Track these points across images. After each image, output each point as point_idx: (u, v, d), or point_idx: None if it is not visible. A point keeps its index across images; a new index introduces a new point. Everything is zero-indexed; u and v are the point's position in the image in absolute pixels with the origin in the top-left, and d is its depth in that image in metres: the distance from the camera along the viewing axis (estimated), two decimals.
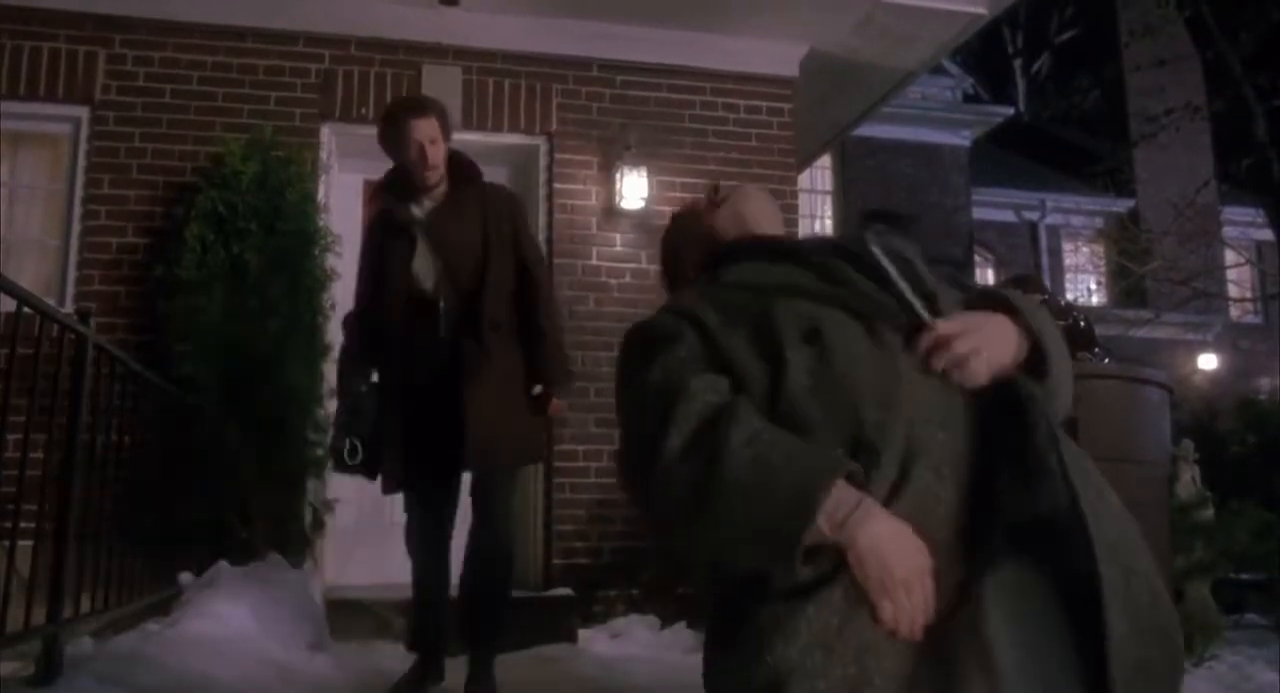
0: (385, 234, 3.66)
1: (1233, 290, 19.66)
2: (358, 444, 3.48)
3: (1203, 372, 17.86)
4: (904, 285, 1.59)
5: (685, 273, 2.02)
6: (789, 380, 1.50)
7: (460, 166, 3.70)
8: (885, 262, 1.63)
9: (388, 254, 3.62)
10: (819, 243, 1.82)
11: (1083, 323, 3.25)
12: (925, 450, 1.43)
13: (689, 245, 2.03)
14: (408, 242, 3.58)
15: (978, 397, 1.51)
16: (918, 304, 1.57)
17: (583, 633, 5.12)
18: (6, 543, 2.86)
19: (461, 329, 3.52)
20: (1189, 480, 11.07)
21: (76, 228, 5.55)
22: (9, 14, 5.51)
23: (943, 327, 1.52)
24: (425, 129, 3.53)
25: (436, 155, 3.54)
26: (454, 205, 3.63)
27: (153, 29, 5.71)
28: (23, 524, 3.00)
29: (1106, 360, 3.25)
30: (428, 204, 3.65)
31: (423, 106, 3.61)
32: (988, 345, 1.53)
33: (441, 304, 3.52)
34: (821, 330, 1.52)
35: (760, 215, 1.99)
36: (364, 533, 5.44)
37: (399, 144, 3.55)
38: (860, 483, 1.41)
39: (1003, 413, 1.50)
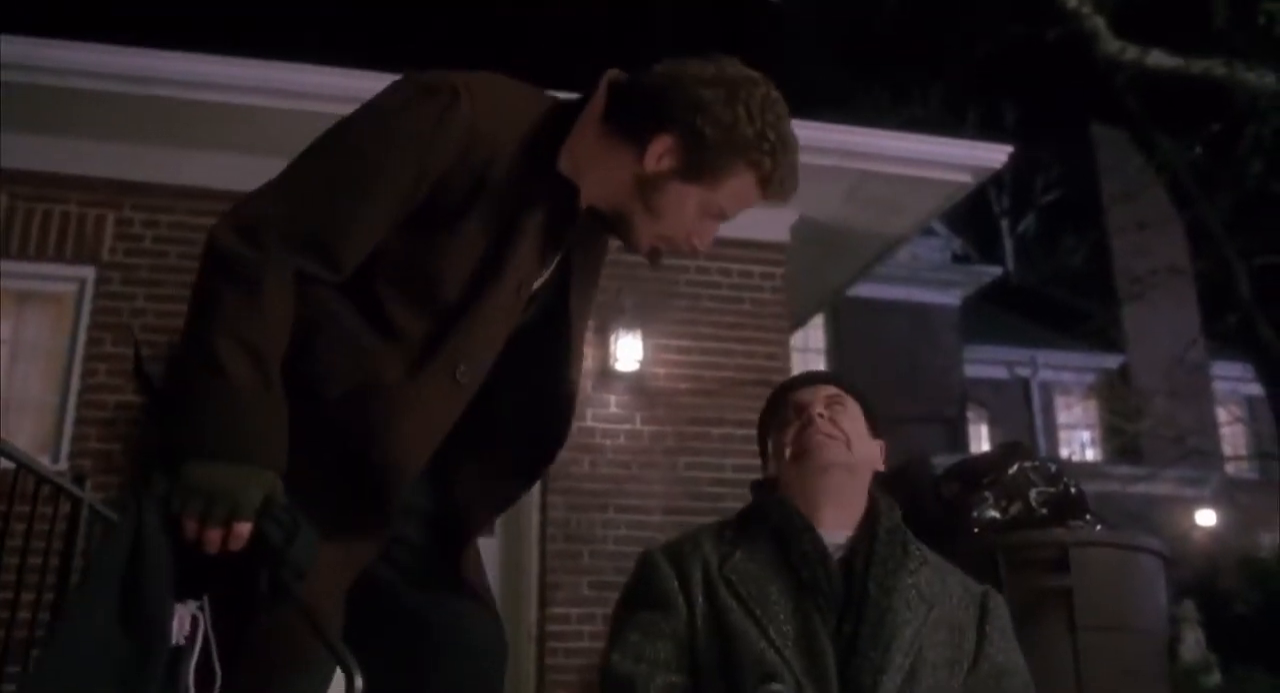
0: (503, 222, 1.57)
1: (1227, 446, 19.67)
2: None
3: (1201, 528, 17.71)
4: None
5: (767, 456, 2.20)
6: None
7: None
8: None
9: (496, 260, 1.57)
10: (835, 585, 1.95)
11: (1073, 490, 3.26)
12: None
13: (768, 443, 2.18)
14: (511, 283, 1.60)
15: None
16: None
17: None
18: None
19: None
20: (1193, 643, 10.90)
21: (76, 385, 5.60)
22: (24, 178, 5.68)
23: None
24: (746, 208, 1.72)
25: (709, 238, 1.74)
26: (587, 266, 1.79)
27: (161, 193, 5.88)
28: (5, 687, 2.96)
29: (1099, 527, 3.25)
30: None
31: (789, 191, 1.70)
32: None
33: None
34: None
35: (823, 505, 2.03)
36: None
37: (711, 186, 1.63)
38: None
39: None
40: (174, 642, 1.38)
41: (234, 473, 1.37)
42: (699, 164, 1.60)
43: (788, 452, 2.07)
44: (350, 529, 1.53)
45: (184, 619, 1.39)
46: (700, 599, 1.95)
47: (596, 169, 1.60)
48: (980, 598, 2.04)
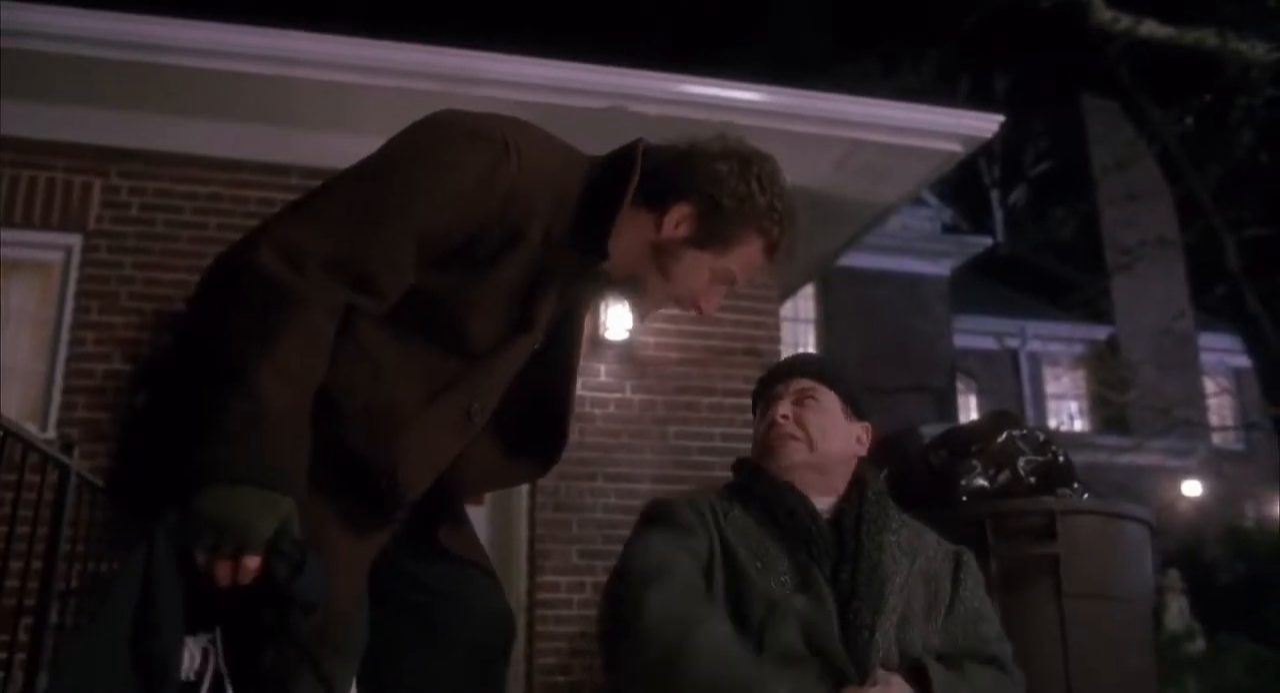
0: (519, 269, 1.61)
1: (1214, 417, 19.77)
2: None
3: (1187, 499, 17.84)
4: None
5: None
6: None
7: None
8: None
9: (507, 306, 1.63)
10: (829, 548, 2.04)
11: (1061, 458, 3.26)
12: None
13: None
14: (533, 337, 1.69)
15: None
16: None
17: None
18: None
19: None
20: (1178, 611, 11.00)
21: (63, 354, 5.58)
22: (7, 144, 5.62)
23: None
24: (748, 274, 1.81)
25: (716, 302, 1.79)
26: (588, 307, 1.90)
27: (148, 160, 5.84)
28: None
29: (1086, 496, 3.26)
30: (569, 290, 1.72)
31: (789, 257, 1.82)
32: None
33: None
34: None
35: (808, 478, 2.13)
36: None
37: (722, 253, 1.73)
38: None
39: None
40: (184, 677, 1.34)
41: (249, 501, 1.33)
42: (713, 232, 1.69)
43: (759, 446, 2.20)
44: (364, 526, 1.56)
45: (194, 654, 1.35)
46: (715, 534, 2.04)
47: (621, 237, 1.64)
48: (954, 554, 2.17)
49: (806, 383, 2.20)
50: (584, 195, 1.64)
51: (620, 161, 1.69)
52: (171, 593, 1.31)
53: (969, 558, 2.17)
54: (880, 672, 1.92)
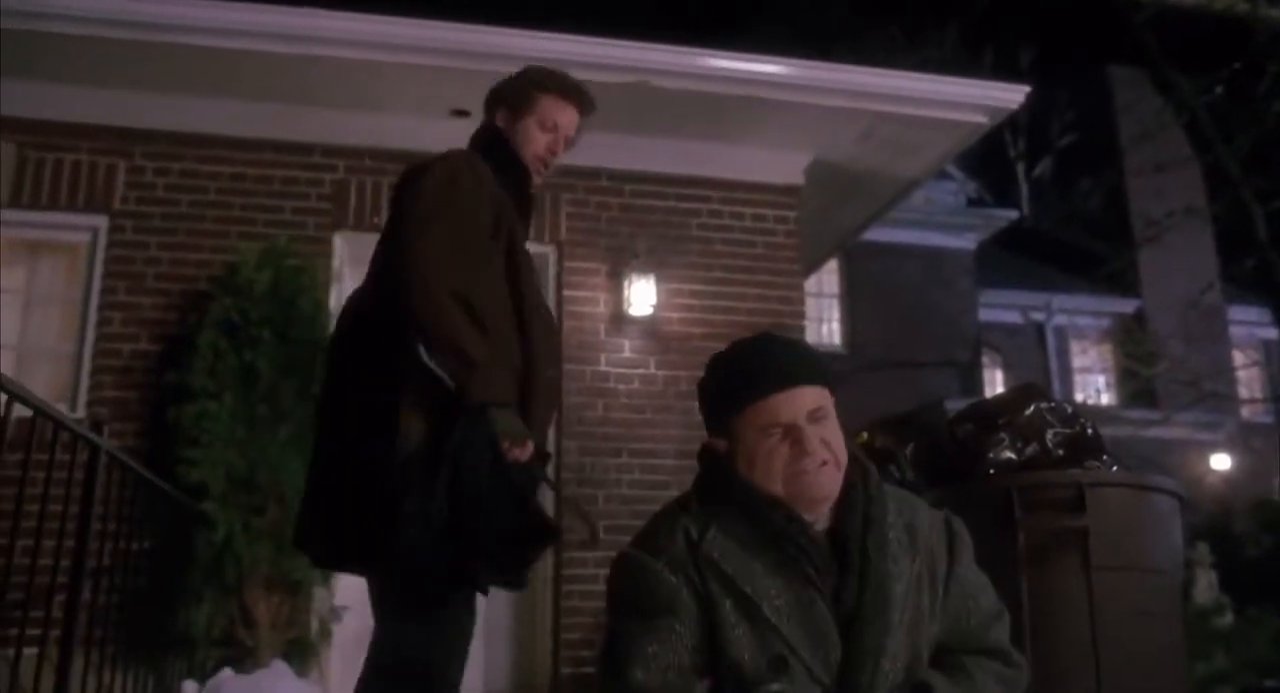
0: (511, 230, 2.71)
1: (1242, 390, 19.61)
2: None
3: (1216, 472, 17.72)
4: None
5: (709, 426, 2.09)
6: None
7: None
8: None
9: (525, 262, 2.72)
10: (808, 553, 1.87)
11: (1090, 431, 3.25)
12: None
13: (731, 428, 1.98)
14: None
15: None
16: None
17: None
18: (10, 652, 2.85)
19: None
20: (1206, 585, 10.93)
21: (91, 335, 5.62)
22: (33, 127, 5.66)
23: None
24: (571, 119, 2.88)
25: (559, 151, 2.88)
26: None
27: (172, 140, 5.86)
28: (28, 632, 3.00)
29: (1115, 468, 3.25)
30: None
31: (585, 96, 2.92)
32: None
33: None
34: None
35: (801, 509, 1.89)
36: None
37: (532, 115, 2.83)
38: None
39: None
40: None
41: (516, 417, 2.43)
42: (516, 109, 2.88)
43: (779, 478, 1.88)
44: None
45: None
46: (700, 587, 1.85)
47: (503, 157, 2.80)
48: (945, 522, 2.00)
49: (813, 398, 1.90)
50: (491, 158, 2.73)
51: (485, 133, 2.87)
52: (479, 464, 2.34)
53: (959, 526, 2.01)
54: None
